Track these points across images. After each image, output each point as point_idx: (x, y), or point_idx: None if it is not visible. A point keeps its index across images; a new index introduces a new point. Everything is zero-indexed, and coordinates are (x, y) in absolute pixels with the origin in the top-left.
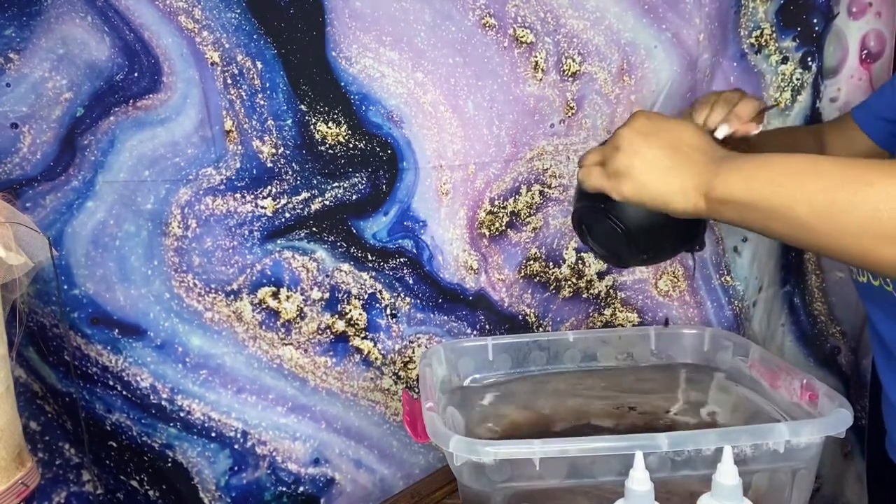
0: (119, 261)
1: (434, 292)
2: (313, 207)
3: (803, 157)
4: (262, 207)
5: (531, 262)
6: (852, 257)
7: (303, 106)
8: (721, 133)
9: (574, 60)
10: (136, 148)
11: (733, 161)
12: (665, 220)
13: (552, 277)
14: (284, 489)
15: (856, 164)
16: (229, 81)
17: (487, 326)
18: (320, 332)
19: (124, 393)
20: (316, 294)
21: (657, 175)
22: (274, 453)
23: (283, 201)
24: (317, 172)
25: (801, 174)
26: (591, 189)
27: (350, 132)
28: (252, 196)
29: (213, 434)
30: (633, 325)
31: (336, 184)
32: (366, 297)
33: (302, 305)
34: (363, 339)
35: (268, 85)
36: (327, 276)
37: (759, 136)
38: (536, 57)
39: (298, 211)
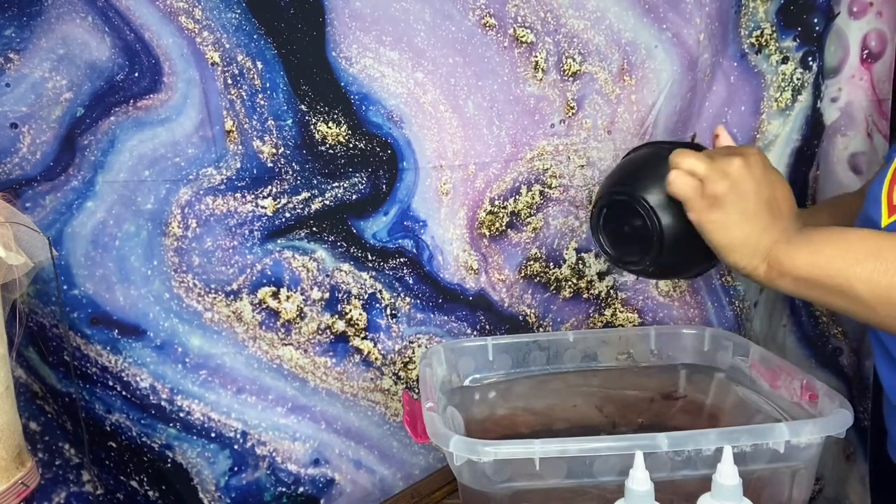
0: (119, 261)
1: (434, 292)
2: (313, 207)
3: (866, 237)
4: (263, 207)
5: (531, 262)
6: None
7: (303, 106)
8: None
9: (574, 60)
10: (137, 148)
11: (804, 233)
12: (691, 243)
13: (552, 278)
14: (284, 490)
15: None
16: (230, 81)
17: (487, 327)
18: (320, 332)
19: (124, 393)
20: (316, 294)
21: (743, 223)
22: (274, 454)
23: (284, 201)
24: (317, 172)
25: (862, 254)
26: (676, 194)
27: (350, 132)
28: (252, 196)
29: (213, 434)
30: (634, 326)
31: (336, 184)
32: (366, 297)
33: (302, 305)
34: (363, 339)
35: (268, 85)
36: (327, 276)
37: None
38: (537, 57)
39: (298, 211)
